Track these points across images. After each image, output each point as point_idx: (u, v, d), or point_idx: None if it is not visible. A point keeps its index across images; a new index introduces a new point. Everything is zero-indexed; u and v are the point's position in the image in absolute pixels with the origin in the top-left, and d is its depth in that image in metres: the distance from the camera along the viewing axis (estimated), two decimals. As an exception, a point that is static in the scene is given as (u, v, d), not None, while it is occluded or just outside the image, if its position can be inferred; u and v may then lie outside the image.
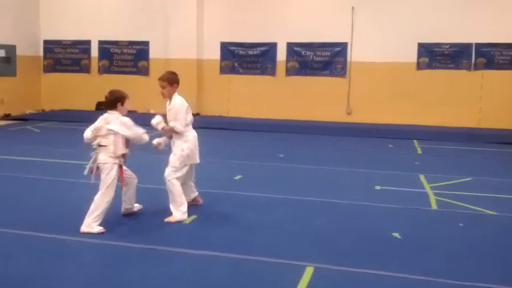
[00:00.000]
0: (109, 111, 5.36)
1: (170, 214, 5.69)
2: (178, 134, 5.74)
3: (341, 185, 7.57)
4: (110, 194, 5.28)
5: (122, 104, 5.37)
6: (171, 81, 5.74)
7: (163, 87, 5.73)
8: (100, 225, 5.21)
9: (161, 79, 5.80)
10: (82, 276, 4.20)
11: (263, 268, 4.45)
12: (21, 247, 4.81)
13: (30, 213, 5.83)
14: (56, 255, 4.62)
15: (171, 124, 5.71)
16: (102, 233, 5.14)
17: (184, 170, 5.77)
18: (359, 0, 14.33)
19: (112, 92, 5.42)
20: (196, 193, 6.23)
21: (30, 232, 5.15)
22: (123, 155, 5.35)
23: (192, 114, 6.17)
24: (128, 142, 5.39)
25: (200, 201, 6.26)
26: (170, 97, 5.80)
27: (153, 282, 4.12)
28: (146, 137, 5.43)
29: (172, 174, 5.68)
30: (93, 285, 4.06)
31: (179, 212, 5.67)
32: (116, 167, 5.29)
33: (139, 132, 5.37)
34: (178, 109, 5.71)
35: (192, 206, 6.06)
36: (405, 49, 14.08)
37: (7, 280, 4.08)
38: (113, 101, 5.34)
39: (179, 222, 5.60)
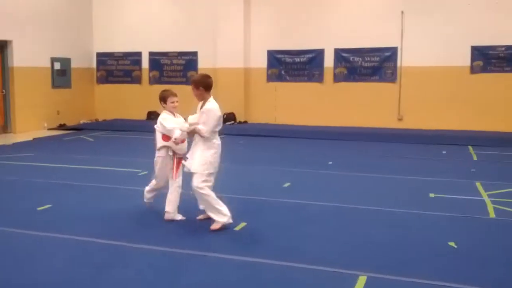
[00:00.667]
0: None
1: (213, 221, 5.62)
2: (202, 138, 5.61)
3: (394, 193, 7.38)
4: (159, 184, 6.13)
5: (165, 102, 6.00)
6: (196, 84, 5.68)
7: (192, 90, 5.72)
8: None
9: (191, 81, 5.89)
10: (142, 284, 4.23)
11: (314, 276, 4.38)
12: (81, 253, 4.93)
13: (87, 221, 5.97)
14: (115, 263, 4.69)
15: (199, 126, 5.58)
16: (183, 219, 5.84)
17: (212, 177, 5.65)
18: (409, 4, 14.05)
19: (160, 93, 6.13)
20: None
21: (88, 238, 5.28)
22: (173, 149, 5.86)
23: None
24: (168, 136, 5.81)
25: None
26: (203, 99, 5.71)
27: (205, 289, 4.13)
28: (174, 133, 5.64)
29: (201, 183, 5.53)
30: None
31: (221, 216, 5.57)
32: (160, 159, 5.99)
33: (168, 128, 5.76)
34: (210, 114, 5.56)
35: (238, 211, 6.05)
36: (458, 52, 13.67)
37: (69, 285, 4.18)
38: (159, 101, 6.07)
39: (225, 228, 5.55)
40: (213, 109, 5.57)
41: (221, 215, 5.59)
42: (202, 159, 5.56)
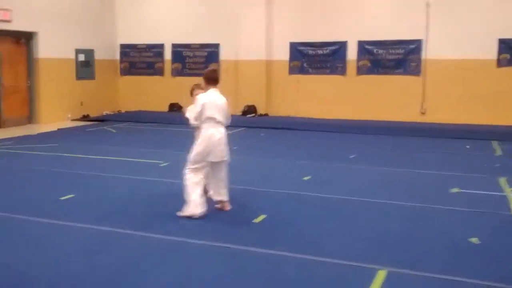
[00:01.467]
0: None
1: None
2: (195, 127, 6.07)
3: (415, 188, 7.30)
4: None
5: (191, 94, 6.25)
6: (203, 77, 6.09)
7: None
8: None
9: None
10: (162, 275, 4.28)
11: (334, 270, 4.37)
12: (102, 243, 5.01)
13: (112, 210, 6.05)
14: (136, 254, 4.74)
15: (186, 114, 6.16)
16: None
17: (199, 165, 5.77)
18: (434, -4, 13.83)
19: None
20: (223, 197, 5.96)
21: (110, 228, 5.36)
22: None
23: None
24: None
25: (227, 207, 5.99)
26: (206, 91, 6.00)
27: (231, 282, 4.15)
28: (189, 120, 6.04)
29: (187, 170, 5.83)
30: (175, 285, 4.11)
31: (186, 208, 5.71)
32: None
33: (186, 115, 6.15)
34: (195, 103, 5.90)
35: (257, 204, 6.06)
36: (484, 45, 13.40)
37: (90, 276, 4.26)
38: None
39: (191, 218, 5.62)
40: (199, 98, 5.84)
41: (186, 207, 5.71)
42: (193, 148, 5.87)
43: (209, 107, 5.77)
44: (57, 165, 8.56)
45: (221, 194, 5.99)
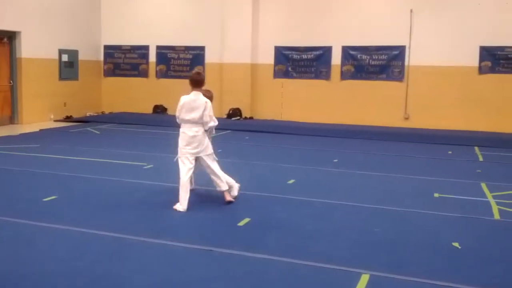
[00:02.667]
0: None
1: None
2: None
3: (398, 192, 7.37)
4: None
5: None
6: None
7: None
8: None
9: None
10: (145, 277, 4.25)
11: (318, 273, 4.39)
12: (84, 245, 4.96)
13: (95, 212, 6.00)
14: (119, 256, 4.71)
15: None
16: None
17: (184, 161, 6.20)
18: (418, 3, 14.00)
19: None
20: (222, 188, 6.39)
21: (92, 230, 5.30)
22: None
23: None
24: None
25: (227, 197, 6.41)
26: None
27: (215, 286, 4.13)
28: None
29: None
30: (154, 287, 4.07)
31: (178, 202, 6.15)
32: None
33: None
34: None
35: (241, 207, 6.07)
36: (466, 52, 13.62)
37: (73, 277, 4.21)
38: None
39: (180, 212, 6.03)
40: (180, 99, 6.26)
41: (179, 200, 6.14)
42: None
43: (187, 108, 6.19)
44: (39, 166, 8.46)
45: (220, 186, 6.39)
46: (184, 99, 6.25)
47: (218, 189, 6.42)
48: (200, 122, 6.22)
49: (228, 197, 6.42)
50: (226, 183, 6.40)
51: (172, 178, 6.93)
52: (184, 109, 6.21)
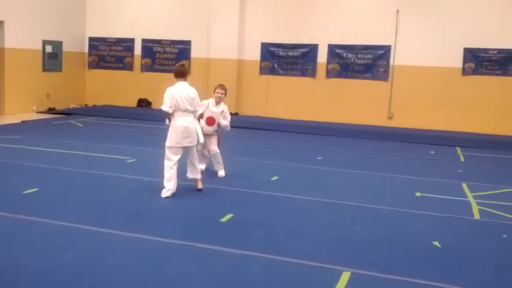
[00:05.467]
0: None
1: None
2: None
3: (381, 191, 7.43)
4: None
5: (214, 91, 7.62)
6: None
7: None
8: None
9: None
10: (125, 272, 4.23)
11: (299, 270, 4.40)
12: (64, 239, 4.91)
13: (76, 206, 5.95)
14: (100, 250, 4.68)
15: None
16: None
17: (171, 151, 6.39)
18: (404, 3, 14.09)
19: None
20: (196, 176, 6.73)
21: (73, 224, 5.25)
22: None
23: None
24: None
25: (199, 185, 6.74)
26: None
27: (196, 281, 4.12)
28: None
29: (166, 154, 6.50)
30: (137, 282, 4.06)
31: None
32: None
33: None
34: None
35: (225, 203, 6.06)
36: (451, 54, 13.76)
37: (53, 272, 4.17)
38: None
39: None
40: (167, 90, 6.39)
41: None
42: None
43: (175, 97, 6.32)
44: (20, 158, 8.35)
45: (194, 173, 6.70)
46: (171, 89, 6.37)
47: (191, 176, 6.72)
48: (191, 111, 6.43)
49: (200, 185, 6.72)
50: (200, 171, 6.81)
51: (155, 172, 6.91)
52: (173, 99, 6.31)
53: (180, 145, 6.41)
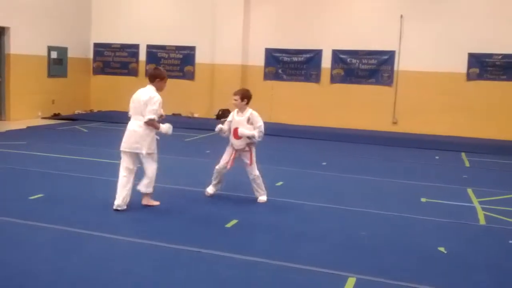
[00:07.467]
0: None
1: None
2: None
3: (386, 196, 7.41)
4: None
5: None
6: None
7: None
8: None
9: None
10: (131, 278, 4.23)
11: (305, 276, 4.40)
12: (71, 244, 4.92)
13: (81, 211, 5.97)
14: (106, 256, 4.69)
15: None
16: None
17: (122, 155, 6.19)
18: (408, 8, 14.11)
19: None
20: (141, 188, 6.22)
21: (79, 230, 5.27)
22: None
23: None
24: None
25: (144, 201, 6.26)
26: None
27: (198, 286, 4.12)
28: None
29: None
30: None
31: None
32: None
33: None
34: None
35: (229, 208, 6.07)
36: (455, 59, 13.76)
37: (59, 277, 4.18)
38: None
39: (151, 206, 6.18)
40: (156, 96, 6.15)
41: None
42: None
43: (132, 101, 6.14)
44: (26, 163, 8.38)
45: (141, 185, 6.18)
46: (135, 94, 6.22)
47: (137, 187, 6.15)
48: (139, 116, 6.01)
49: (145, 202, 6.19)
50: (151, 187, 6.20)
51: (159, 178, 6.91)
52: (131, 104, 6.13)
53: (125, 149, 6.04)
